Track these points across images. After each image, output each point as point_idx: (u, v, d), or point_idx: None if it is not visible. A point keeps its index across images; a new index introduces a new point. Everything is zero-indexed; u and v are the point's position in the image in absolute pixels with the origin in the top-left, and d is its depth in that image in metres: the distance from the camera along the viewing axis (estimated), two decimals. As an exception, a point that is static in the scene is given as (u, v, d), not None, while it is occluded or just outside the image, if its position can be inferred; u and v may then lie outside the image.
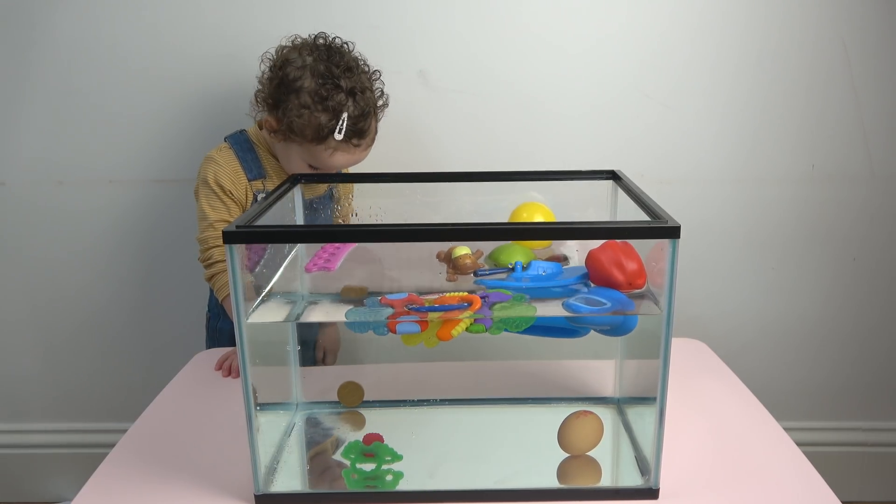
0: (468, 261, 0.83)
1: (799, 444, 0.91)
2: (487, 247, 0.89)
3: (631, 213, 0.84)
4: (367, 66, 1.21)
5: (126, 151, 1.45)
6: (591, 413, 0.84)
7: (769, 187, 1.48)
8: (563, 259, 0.88)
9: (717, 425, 0.96)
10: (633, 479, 0.84)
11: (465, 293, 0.79)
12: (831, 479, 0.84)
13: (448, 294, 0.80)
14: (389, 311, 0.78)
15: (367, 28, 1.38)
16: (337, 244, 0.94)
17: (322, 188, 1.30)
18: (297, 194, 0.99)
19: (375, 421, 0.97)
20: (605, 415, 0.94)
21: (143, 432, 0.96)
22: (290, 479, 0.86)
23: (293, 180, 0.99)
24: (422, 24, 1.38)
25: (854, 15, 1.37)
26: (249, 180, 1.21)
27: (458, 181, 1.02)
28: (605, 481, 0.84)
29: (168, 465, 0.88)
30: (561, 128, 1.44)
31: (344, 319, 0.78)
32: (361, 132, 1.16)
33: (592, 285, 0.82)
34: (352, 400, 0.97)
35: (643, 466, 0.84)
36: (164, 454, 0.90)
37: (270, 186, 1.24)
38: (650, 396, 0.79)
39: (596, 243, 0.82)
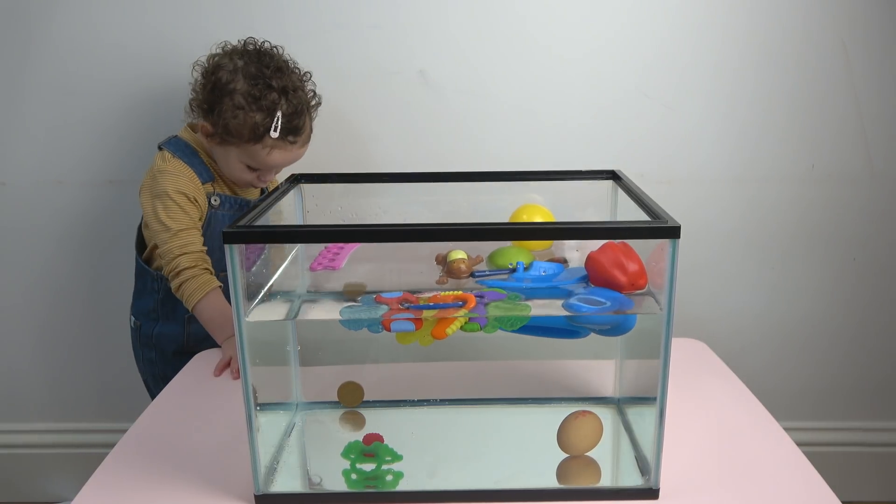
0: (462, 265, 0.83)
1: (799, 444, 0.91)
2: (487, 247, 0.89)
3: (631, 213, 0.84)
4: (298, 68, 1.24)
5: (126, 152, 1.45)
6: (590, 413, 0.84)
7: (769, 187, 1.48)
8: (564, 262, 0.88)
9: (717, 425, 0.96)
10: (633, 479, 0.84)
11: (461, 292, 0.80)
12: (831, 479, 0.84)
13: (443, 293, 0.80)
14: (384, 308, 0.78)
15: (367, 28, 1.38)
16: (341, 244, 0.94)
17: (256, 191, 1.31)
18: (297, 194, 0.99)
19: (375, 421, 0.97)
20: (605, 415, 0.94)
21: (143, 432, 0.96)
22: (290, 479, 0.86)
23: (293, 180, 0.99)
24: (422, 24, 1.38)
25: (854, 15, 1.37)
26: (202, 184, 1.22)
27: (457, 181, 1.02)
28: (605, 481, 0.84)
29: (168, 465, 0.88)
30: (561, 128, 1.44)
31: (339, 317, 0.78)
32: (296, 129, 1.19)
33: (592, 287, 0.82)
34: (352, 400, 0.97)
35: (643, 466, 0.84)
36: (164, 454, 0.90)
37: (220, 189, 1.25)
38: (650, 396, 0.79)
39: (595, 244, 0.82)
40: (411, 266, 0.89)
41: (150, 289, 1.29)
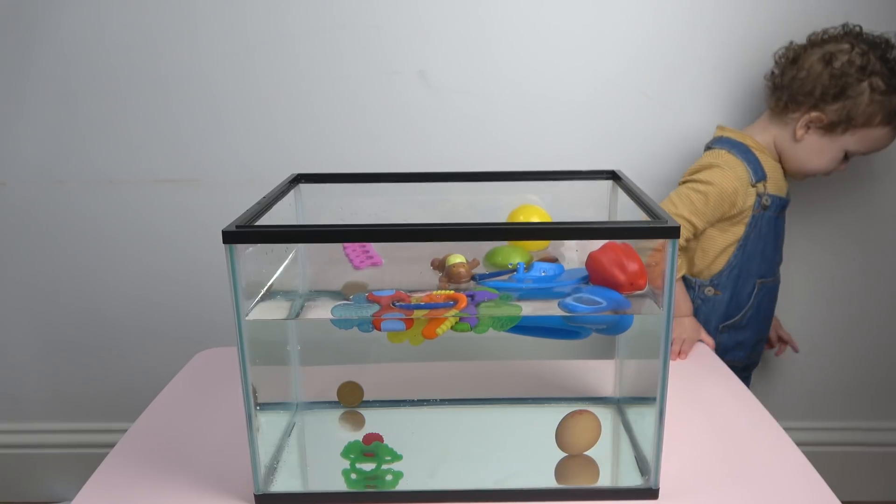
0: (462, 269, 0.83)
1: (799, 444, 0.91)
2: (486, 248, 0.89)
3: (631, 213, 0.84)
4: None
5: (127, 151, 1.45)
6: (587, 412, 0.84)
7: (769, 187, 1.48)
8: (554, 260, 0.88)
9: (717, 425, 0.96)
10: (633, 479, 0.84)
11: (452, 291, 0.79)
12: (831, 479, 0.84)
13: (435, 292, 0.79)
14: (375, 308, 0.78)
15: (367, 28, 1.38)
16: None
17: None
18: (297, 194, 0.99)
19: (375, 421, 0.97)
20: (605, 415, 0.94)
21: (143, 432, 0.96)
22: (290, 479, 0.86)
23: (294, 180, 0.99)
24: (422, 24, 1.38)
25: (854, 14, 1.37)
26: (754, 183, 1.25)
27: (457, 181, 1.02)
28: (605, 481, 0.84)
29: (168, 465, 0.88)
30: (561, 128, 1.44)
31: (330, 316, 0.78)
32: None
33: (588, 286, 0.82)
34: (352, 400, 0.97)
35: (643, 466, 0.84)
36: (164, 454, 0.90)
37: (770, 188, 1.27)
38: (650, 396, 0.79)
39: (595, 244, 0.82)
40: (411, 266, 0.89)
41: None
